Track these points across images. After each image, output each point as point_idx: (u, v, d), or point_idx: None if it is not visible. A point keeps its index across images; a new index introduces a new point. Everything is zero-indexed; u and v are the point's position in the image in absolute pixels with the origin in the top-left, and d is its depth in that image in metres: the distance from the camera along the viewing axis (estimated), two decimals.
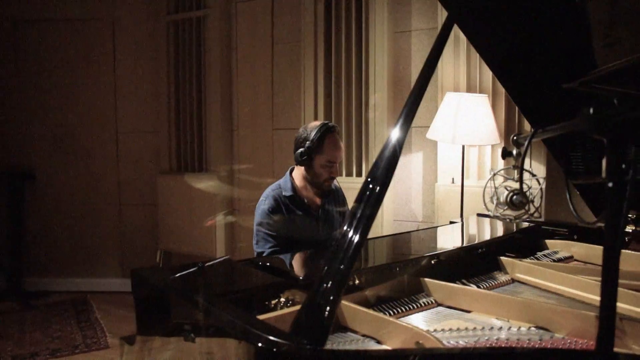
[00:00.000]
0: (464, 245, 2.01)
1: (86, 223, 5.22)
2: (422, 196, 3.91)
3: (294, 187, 2.57)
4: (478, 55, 3.33)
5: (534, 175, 1.57)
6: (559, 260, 2.04)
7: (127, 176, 5.23)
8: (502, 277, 1.82)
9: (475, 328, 1.36)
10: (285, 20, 4.45)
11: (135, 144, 5.21)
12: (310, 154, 2.50)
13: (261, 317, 1.29)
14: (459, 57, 3.57)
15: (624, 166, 0.65)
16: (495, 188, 1.55)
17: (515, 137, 1.33)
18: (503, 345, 1.16)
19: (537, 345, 1.22)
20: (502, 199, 1.52)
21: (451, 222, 2.54)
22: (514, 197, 1.48)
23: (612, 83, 1.97)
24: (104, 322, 4.37)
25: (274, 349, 1.00)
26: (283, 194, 2.55)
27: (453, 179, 3.51)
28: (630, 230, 2.14)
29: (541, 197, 1.57)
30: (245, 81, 4.72)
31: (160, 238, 5.05)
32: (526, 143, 1.14)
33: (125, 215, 5.25)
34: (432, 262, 1.79)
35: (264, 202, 2.54)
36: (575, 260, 2.09)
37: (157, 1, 5.04)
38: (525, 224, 2.38)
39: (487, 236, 2.37)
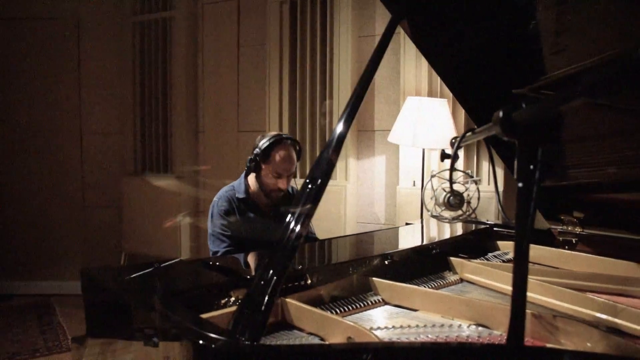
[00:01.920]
0: (416, 246, 2.04)
1: (49, 225, 5.15)
2: (385, 199, 3.95)
3: (247, 190, 2.59)
4: None
5: (471, 177, 1.61)
6: (509, 260, 2.09)
7: (91, 177, 5.17)
8: (451, 277, 1.86)
9: (417, 325, 1.39)
10: (251, 23, 4.46)
11: (99, 145, 5.16)
12: (258, 163, 2.52)
13: (206, 315, 1.30)
14: (420, 62, 3.62)
15: (531, 167, 0.69)
16: (434, 190, 1.60)
17: (453, 140, 1.37)
18: (439, 342, 1.19)
19: (472, 341, 1.26)
20: (440, 200, 1.56)
21: (407, 224, 2.58)
22: (450, 198, 1.52)
23: (560, 89, 2.03)
24: (67, 325, 4.31)
25: (211, 345, 1.01)
26: (236, 195, 2.57)
27: (414, 181, 3.57)
28: (578, 232, 2.21)
29: (478, 198, 1.61)
30: (210, 83, 4.71)
31: (125, 240, 5.01)
32: (455, 147, 1.18)
33: (89, 217, 5.19)
34: (383, 262, 1.82)
35: (217, 203, 2.57)
36: None
37: (123, 1, 5.00)
38: (482, 226, 2.45)
39: (440, 237, 2.42)
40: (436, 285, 1.78)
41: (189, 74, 4.77)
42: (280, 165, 2.52)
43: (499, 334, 1.34)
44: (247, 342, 1.01)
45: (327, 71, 4.00)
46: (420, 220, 3.17)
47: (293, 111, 4.15)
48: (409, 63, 3.66)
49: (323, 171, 1.16)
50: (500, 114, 0.69)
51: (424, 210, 1.74)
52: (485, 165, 3.21)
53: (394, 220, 3.80)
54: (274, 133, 2.58)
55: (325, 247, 2.17)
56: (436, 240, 2.15)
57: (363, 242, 2.35)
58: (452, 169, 1.29)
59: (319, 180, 1.14)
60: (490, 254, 2.13)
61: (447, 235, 2.44)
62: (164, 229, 4.65)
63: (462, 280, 1.88)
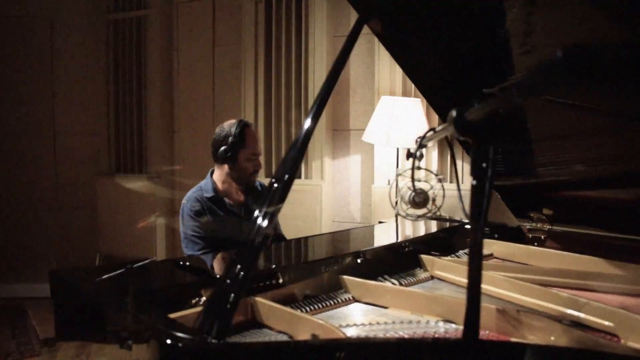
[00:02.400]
0: (387, 244, 2.06)
1: (22, 226, 5.07)
2: (360, 198, 3.98)
3: (215, 188, 2.59)
4: None
5: (436, 175, 1.64)
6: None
7: (65, 178, 5.11)
8: (422, 275, 1.89)
9: (386, 322, 1.41)
10: (226, 22, 4.45)
11: (73, 145, 5.10)
12: (234, 149, 2.53)
13: (176, 314, 1.30)
14: (395, 62, 3.65)
15: (484, 165, 0.71)
16: (400, 188, 1.62)
17: (418, 139, 1.39)
18: (406, 338, 1.21)
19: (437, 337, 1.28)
20: (405, 199, 1.58)
21: (380, 222, 2.61)
22: (414, 196, 1.54)
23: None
24: (40, 328, 4.25)
25: (178, 344, 1.02)
26: (204, 195, 2.56)
27: (389, 180, 3.59)
28: (546, 229, 2.25)
29: (443, 196, 1.64)
30: (186, 82, 4.69)
31: (100, 241, 4.96)
32: (417, 146, 1.20)
33: (63, 218, 5.13)
34: (355, 260, 1.83)
35: (186, 205, 2.56)
36: (495, 257, 2.18)
37: (97, 0, 4.96)
38: (454, 224, 2.48)
39: (412, 235, 2.44)
40: (407, 282, 1.80)
41: (164, 73, 4.74)
42: (256, 146, 2.61)
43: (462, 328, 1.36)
44: (213, 341, 1.01)
45: (302, 70, 4.01)
46: (395, 218, 3.20)
47: (268, 110, 4.15)
48: (383, 63, 3.69)
49: (289, 168, 1.17)
50: (454, 113, 0.71)
51: (391, 208, 1.77)
52: (457, 163, 3.25)
53: (369, 219, 3.83)
54: (233, 121, 2.62)
55: (297, 246, 2.18)
56: (408, 238, 2.17)
57: (335, 240, 2.36)
58: (414, 167, 1.31)
59: (286, 177, 1.15)
60: (461, 251, 2.16)
61: (420, 233, 2.47)
62: (139, 229, 4.61)
63: (432, 277, 1.91)
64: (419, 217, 1.49)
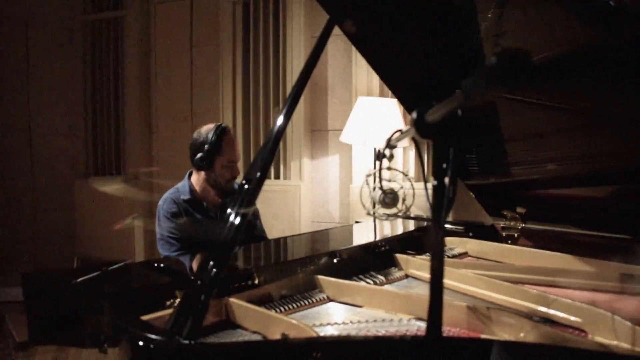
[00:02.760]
0: (362, 243, 2.08)
1: None
2: (339, 198, 4.00)
3: (192, 191, 2.58)
4: None
5: (405, 175, 1.66)
6: (454, 256, 2.15)
7: (42, 180, 5.04)
8: (397, 273, 1.91)
9: (359, 321, 1.43)
10: (204, 23, 4.44)
11: (50, 147, 5.04)
12: (211, 156, 2.51)
13: (150, 316, 1.30)
14: None
15: (444, 166, 0.72)
16: (371, 188, 1.64)
17: (388, 140, 1.40)
18: (380, 336, 1.23)
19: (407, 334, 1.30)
20: (376, 199, 1.60)
21: (357, 222, 2.62)
22: (386, 196, 1.56)
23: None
24: (17, 332, 4.20)
25: (150, 346, 1.02)
26: (181, 197, 2.55)
27: (367, 180, 3.60)
28: (520, 227, 2.29)
29: (413, 196, 1.66)
30: (164, 83, 4.67)
31: (78, 244, 4.92)
32: (383, 147, 1.22)
33: (40, 220, 5.06)
34: (330, 260, 1.85)
35: (163, 206, 2.55)
36: (469, 256, 2.21)
37: (73, 0, 4.90)
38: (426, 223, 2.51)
39: (389, 234, 2.46)
40: (382, 281, 1.82)
41: (141, 74, 4.71)
42: (233, 152, 2.55)
43: None
44: (184, 341, 1.02)
45: (280, 71, 4.02)
46: (373, 218, 3.22)
47: (247, 111, 4.15)
48: (361, 64, 3.71)
49: (261, 167, 1.18)
50: (414, 115, 0.73)
51: (364, 209, 1.78)
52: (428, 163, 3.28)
53: (348, 219, 3.85)
54: (211, 126, 2.55)
55: (274, 247, 2.19)
56: (384, 237, 2.19)
57: (311, 240, 2.37)
58: (381, 167, 1.33)
59: (258, 175, 1.16)
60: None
61: (397, 232, 2.49)
62: (117, 231, 4.58)
63: (407, 276, 1.93)
64: (389, 216, 1.50)
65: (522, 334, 1.29)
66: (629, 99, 1.61)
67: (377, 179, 1.47)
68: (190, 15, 4.52)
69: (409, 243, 2.17)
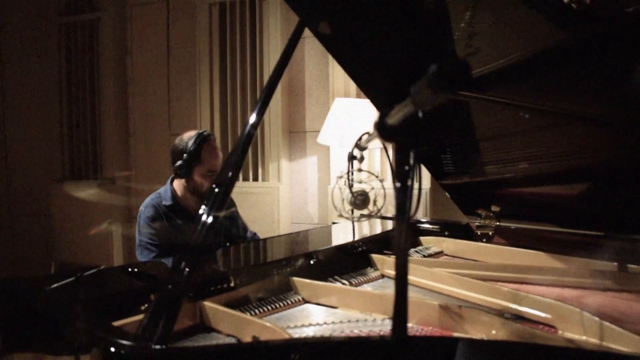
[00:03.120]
0: (339, 244, 2.09)
1: None
2: (318, 199, 4.00)
3: (174, 196, 2.56)
4: None
5: (377, 177, 1.68)
6: (430, 255, 2.17)
7: (17, 185, 4.98)
8: (373, 274, 1.92)
9: (334, 322, 1.44)
10: (181, 25, 4.42)
11: (25, 151, 4.98)
12: (189, 165, 2.49)
13: (122, 322, 1.30)
14: None
15: (406, 168, 0.74)
16: (342, 190, 1.65)
17: (358, 142, 1.42)
18: (346, 336, 1.24)
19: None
20: (347, 200, 1.62)
21: (333, 223, 2.63)
22: (357, 197, 1.58)
23: (475, 90, 2.13)
24: None
25: (121, 352, 1.02)
26: (163, 203, 2.53)
27: (345, 181, 3.62)
28: (494, 225, 2.32)
29: (384, 196, 1.67)
30: (141, 86, 4.64)
31: (55, 249, 4.86)
32: (352, 149, 1.23)
33: (17, 226, 5.00)
34: (306, 261, 1.85)
35: (144, 212, 2.52)
36: (445, 254, 2.23)
37: (47, 2, 4.85)
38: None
39: (365, 235, 2.48)
40: (357, 282, 1.83)
41: (118, 76, 4.67)
42: (212, 162, 2.52)
43: (410, 326, 1.40)
44: (155, 346, 1.02)
45: (258, 73, 4.02)
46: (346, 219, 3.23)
47: (224, 113, 4.14)
48: (338, 65, 3.72)
49: (232, 166, 1.18)
50: (376, 118, 0.74)
51: (336, 210, 1.80)
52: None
53: (327, 220, 3.86)
54: (192, 133, 2.54)
55: (251, 249, 2.19)
56: (360, 238, 2.20)
57: (288, 242, 2.38)
58: (349, 170, 1.34)
59: (230, 174, 1.16)
60: (412, 250, 2.20)
61: (375, 232, 2.50)
62: (95, 236, 4.54)
63: (383, 276, 1.94)
64: (361, 217, 1.51)
65: (493, 332, 1.31)
66: (594, 99, 1.65)
67: (347, 181, 1.48)
68: (166, 17, 4.50)
69: (385, 243, 2.18)
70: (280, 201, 3.89)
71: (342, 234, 2.62)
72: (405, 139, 0.70)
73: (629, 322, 1.39)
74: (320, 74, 3.92)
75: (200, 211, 1.17)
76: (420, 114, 0.70)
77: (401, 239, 0.74)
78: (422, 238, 2.34)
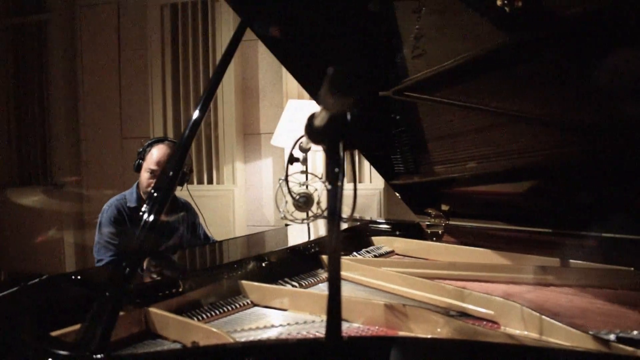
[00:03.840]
0: (290, 246, 2.09)
1: None
2: (273, 201, 3.99)
3: (139, 198, 2.57)
4: None
5: (319, 178, 1.69)
6: (381, 255, 2.19)
7: None
8: (324, 275, 1.92)
9: (281, 325, 1.44)
10: (132, 27, 4.35)
11: None
12: (139, 162, 2.59)
13: (60, 331, 1.27)
14: None
15: (336, 170, 0.74)
16: (284, 193, 1.66)
17: (300, 144, 1.42)
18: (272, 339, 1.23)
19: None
20: (290, 202, 1.62)
21: (286, 225, 2.63)
22: (297, 200, 1.58)
23: (421, 91, 2.16)
24: None
25: None
26: (127, 204, 2.55)
27: (300, 183, 3.62)
28: (444, 224, 2.36)
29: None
30: (91, 89, 4.54)
31: (4, 257, 4.71)
32: (291, 150, 1.23)
33: None
34: (257, 264, 1.85)
35: (107, 211, 2.54)
36: (397, 254, 2.25)
37: None
38: (357, 223, 2.54)
39: (318, 236, 2.48)
40: (308, 283, 1.83)
41: (68, 79, 4.56)
42: (153, 161, 2.59)
43: (356, 326, 1.41)
44: (96, 356, 1.00)
45: (210, 75, 3.98)
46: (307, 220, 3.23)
47: (177, 116, 4.09)
48: None
49: (173, 165, 1.17)
50: (306, 121, 0.74)
51: (277, 211, 1.80)
52: (362, 166, 3.34)
53: (283, 222, 3.85)
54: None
55: (202, 252, 2.17)
56: (312, 239, 2.20)
57: (240, 245, 2.37)
58: (287, 171, 1.35)
59: (170, 173, 1.15)
60: (363, 250, 2.22)
61: (322, 233, 2.52)
62: (45, 243, 4.42)
63: None
64: (303, 219, 1.52)
65: (438, 330, 1.33)
66: (536, 99, 1.69)
67: (287, 183, 1.48)
68: (117, 19, 4.42)
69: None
70: (236, 204, 3.87)
71: (296, 236, 2.62)
72: (332, 140, 0.71)
73: (569, 316, 1.43)
74: (274, 75, 3.92)
75: (141, 213, 1.15)
76: (348, 116, 0.71)
77: (333, 241, 0.75)
78: (374, 238, 2.36)
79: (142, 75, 4.23)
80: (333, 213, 0.75)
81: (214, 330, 1.25)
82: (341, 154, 0.73)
